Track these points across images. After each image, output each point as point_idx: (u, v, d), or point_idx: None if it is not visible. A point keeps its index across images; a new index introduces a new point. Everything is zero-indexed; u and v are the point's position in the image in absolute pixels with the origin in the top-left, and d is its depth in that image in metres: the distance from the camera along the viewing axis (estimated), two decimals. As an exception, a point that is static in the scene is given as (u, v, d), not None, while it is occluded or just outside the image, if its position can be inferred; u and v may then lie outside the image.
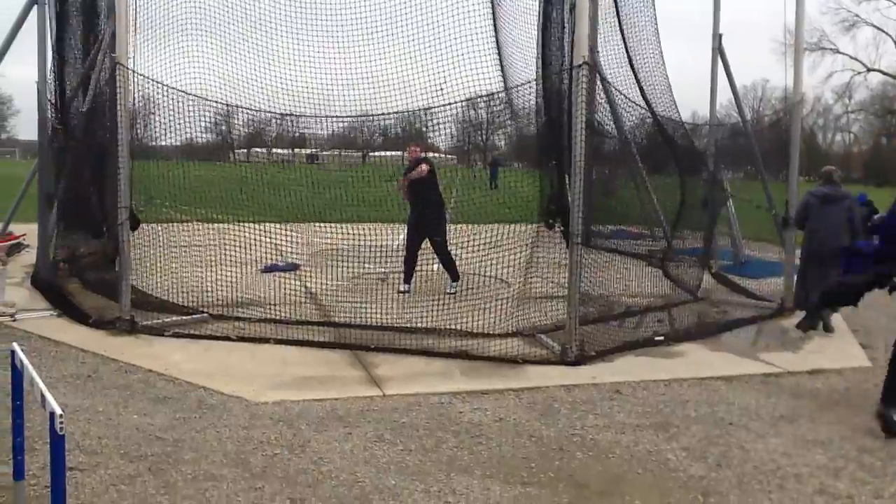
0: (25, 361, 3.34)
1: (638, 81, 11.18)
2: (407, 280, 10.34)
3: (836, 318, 9.36)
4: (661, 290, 10.21)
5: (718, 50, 12.60)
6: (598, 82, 10.81)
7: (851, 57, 70.57)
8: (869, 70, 60.38)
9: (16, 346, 3.56)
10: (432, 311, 8.46)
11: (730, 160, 14.20)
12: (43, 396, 3.12)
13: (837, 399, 6.33)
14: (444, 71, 9.73)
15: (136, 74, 8.29)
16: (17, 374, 3.53)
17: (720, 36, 12.53)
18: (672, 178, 12.49)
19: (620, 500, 4.40)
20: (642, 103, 11.04)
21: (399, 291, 10.08)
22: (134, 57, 8.33)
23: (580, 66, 7.21)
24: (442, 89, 9.27)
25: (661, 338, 8.10)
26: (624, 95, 10.54)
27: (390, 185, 11.10)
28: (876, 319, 9.49)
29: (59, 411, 2.97)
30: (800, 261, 9.29)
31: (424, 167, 10.10)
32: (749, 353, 7.74)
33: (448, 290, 10.07)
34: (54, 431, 2.98)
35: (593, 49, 12.42)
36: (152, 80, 8.63)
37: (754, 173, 13.67)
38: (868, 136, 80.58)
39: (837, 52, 60.33)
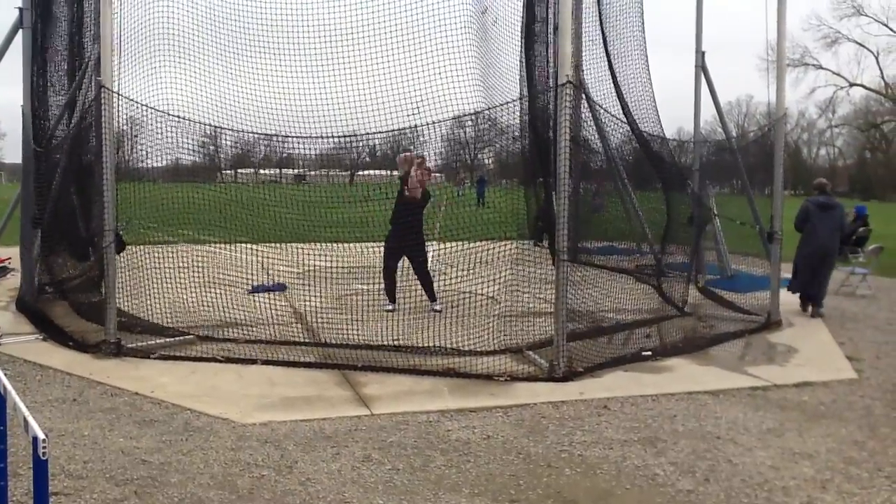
0: (8, 386, 3.32)
1: (622, 98, 11.27)
2: (392, 299, 10.33)
3: (824, 333, 9.43)
4: (649, 306, 10.23)
5: (701, 67, 12.74)
6: (584, 100, 10.92)
7: (834, 72, 71.59)
8: (851, 85, 61.13)
9: (-2, 370, 3.54)
10: (420, 329, 8.46)
11: (715, 176, 14.32)
12: (26, 421, 3.10)
13: (824, 411, 6.35)
14: (429, 90, 9.77)
15: (120, 97, 8.29)
16: (0, 398, 3.50)
17: (703, 53, 12.68)
18: (658, 194, 12.58)
19: (609, 516, 4.40)
20: (627, 120, 11.13)
21: (386, 311, 10.07)
22: (119, 80, 8.35)
23: (564, 84, 7.27)
24: (418, 109, 9.30)
25: (649, 353, 8.12)
26: (609, 113, 10.62)
27: (378, 202, 11.13)
28: (862, 332, 9.56)
29: (41, 436, 2.95)
30: (797, 257, 10.94)
31: (419, 172, 10.22)
32: (736, 367, 7.77)
33: (435, 309, 10.07)
34: (37, 456, 2.95)
35: (578, 67, 12.55)
36: (137, 103, 8.63)
37: (740, 188, 13.79)
38: (852, 149, 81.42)
39: (820, 67, 61.10)
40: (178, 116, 8.96)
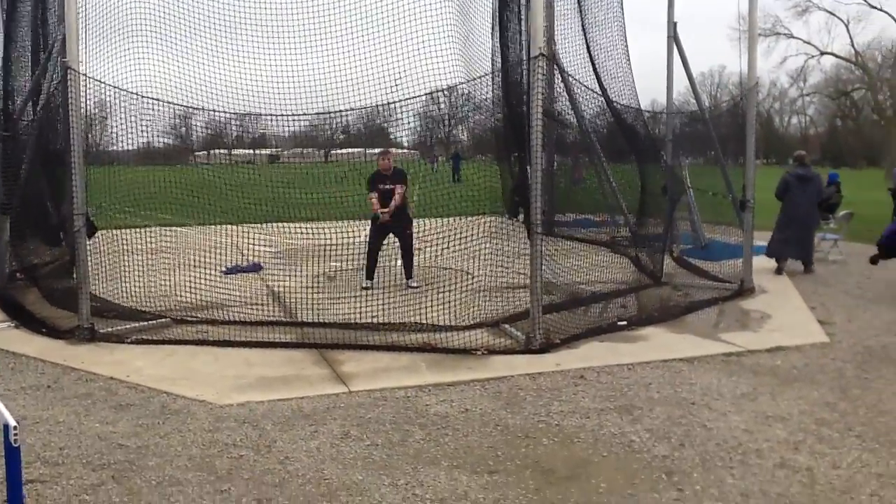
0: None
1: (596, 71, 11.27)
2: (370, 276, 10.33)
3: (796, 299, 9.55)
4: (625, 276, 10.30)
5: (673, 38, 12.74)
6: (557, 73, 10.90)
7: (805, 41, 71.90)
8: (822, 53, 61.27)
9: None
10: (397, 306, 8.47)
11: (689, 147, 14.38)
12: (-5, 407, 3.08)
13: (797, 375, 6.44)
14: (403, 66, 9.68)
15: (88, 79, 8.16)
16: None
17: (675, 24, 12.67)
18: (632, 166, 12.63)
19: (586, 483, 4.44)
20: (601, 93, 11.13)
21: (362, 288, 10.08)
22: (86, 61, 8.21)
23: (536, 57, 7.25)
24: (397, 85, 9.23)
25: (625, 323, 8.18)
26: (583, 85, 10.61)
27: (353, 184, 11.08)
28: (833, 296, 9.69)
29: (13, 423, 2.93)
30: (778, 224, 11.74)
31: (400, 191, 10.26)
32: (711, 334, 7.85)
33: (411, 286, 10.08)
34: (9, 444, 2.94)
35: (550, 40, 12.51)
36: (105, 84, 8.49)
37: (713, 158, 13.88)
38: (823, 118, 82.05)
39: (791, 36, 61.14)
40: (148, 97, 8.84)
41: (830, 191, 16.58)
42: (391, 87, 9.26)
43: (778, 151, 77.75)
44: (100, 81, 8.58)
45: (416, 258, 10.56)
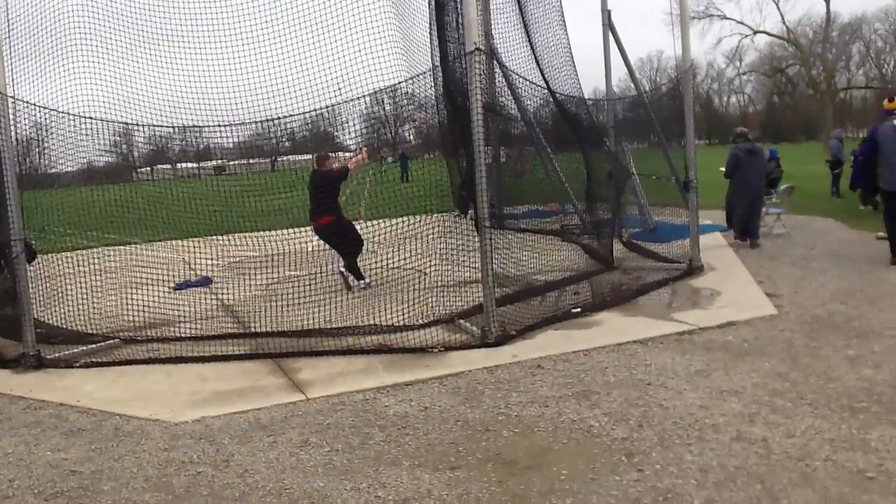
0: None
1: (538, 63, 11.33)
2: (359, 276, 10.37)
3: (744, 274, 9.72)
4: (576, 264, 10.39)
5: (608, 26, 12.87)
6: (498, 67, 10.93)
7: (738, 21, 73.59)
8: (755, 32, 62.64)
9: None
10: (351, 309, 8.41)
11: (631, 132, 14.55)
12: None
13: (748, 349, 6.56)
14: (346, 69, 9.60)
15: (17, 102, 7.93)
16: None
17: (609, 12, 12.80)
18: (577, 155, 12.74)
19: (548, 471, 4.46)
20: (542, 84, 11.19)
21: (361, 289, 10.21)
22: (13, 83, 7.97)
23: (472, 52, 7.25)
24: (340, 89, 9.17)
25: (579, 309, 8.25)
26: (524, 78, 10.64)
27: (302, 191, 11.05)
28: (779, 269, 9.89)
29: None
30: (732, 201, 12.48)
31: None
32: (663, 315, 7.95)
33: (360, 287, 10.07)
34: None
35: (488, 34, 12.54)
36: (36, 106, 8.27)
37: (656, 142, 14.06)
38: (761, 95, 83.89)
39: (724, 17, 62.38)
40: (82, 116, 8.64)
41: (771, 166, 16.99)
42: (335, 91, 9.21)
43: (719, 131, 79.23)
44: (29, 103, 8.36)
45: (366, 260, 10.55)
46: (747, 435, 4.76)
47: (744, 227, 12.11)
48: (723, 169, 12.51)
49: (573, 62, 12.36)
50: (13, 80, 8.05)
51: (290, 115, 10.72)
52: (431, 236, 9.43)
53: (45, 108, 8.43)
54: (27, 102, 8.30)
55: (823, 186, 17.44)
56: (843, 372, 5.77)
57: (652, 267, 10.40)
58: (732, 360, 6.29)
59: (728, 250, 11.58)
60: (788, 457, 4.40)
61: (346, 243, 10.44)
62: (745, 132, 12.98)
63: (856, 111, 76.14)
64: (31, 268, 7.81)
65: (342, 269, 10.47)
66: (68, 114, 8.58)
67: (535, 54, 11.80)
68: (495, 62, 10.95)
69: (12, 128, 7.80)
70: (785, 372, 5.87)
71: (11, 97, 7.82)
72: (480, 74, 7.49)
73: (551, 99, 11.83)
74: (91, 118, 8.61)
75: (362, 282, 10.34)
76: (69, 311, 8.76)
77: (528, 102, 12.19)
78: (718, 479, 4.19)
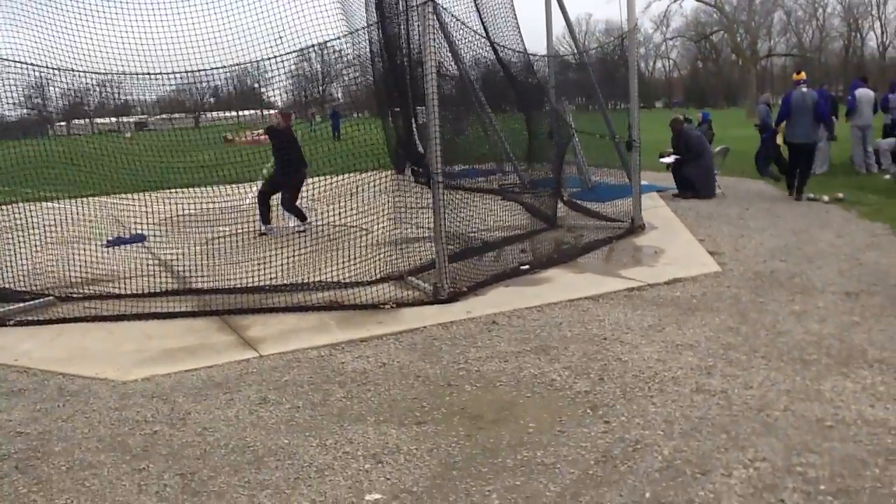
0: None
1: (481, 18, 11.19)
2: (266, 221, 10.66)
3: (685, 233, 9.89)
4: (520, 222, 10.39)
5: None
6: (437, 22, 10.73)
7: (667, -13, 74.29)
8: (684, -2, 63.58)
9: None
10: (298, 266, 8.24)
11: (569, 91, 14.59)
12: None
13: (697, 304, 6.68)
14: (279, 20, 9.26)
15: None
16: None
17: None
18: (518, 114, 12.71)
19: (515, 424, 4.46)
20: (484, 40, 11.06)
21: (260, 234, 10.34)
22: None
23: (425, 3, 7.07)
24: (281, 38, 8.86)
25: (527, 267, 8.26)
26: (468, 27, 10.48)
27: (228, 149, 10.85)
28: (718, 228, 10.10)
29: None
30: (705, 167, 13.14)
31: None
32: (610, 272, 8.03)
33: (297, 229, 10.41)
34: None
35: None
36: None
37: (592, 103, 14.14)
38: (686, 61, 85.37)
39: (653, -18, 63.03)
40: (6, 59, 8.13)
41: (703, 129, 17.36)
42: (275, 41, 8.89)
43: (644, 95, 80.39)
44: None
45: (310, 217, 10.49)
46: (707, 387, 4.85)
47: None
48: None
49: (515, 17, 12.28)
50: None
51: (214, 68, 10.38)
52: (372, 194, 9.30)
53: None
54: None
55: (752, 149, 17.84)
56: (790, 326, 5.93)
57: (594, 225, 10.49)
58: (683, 315, 6.40)
59: (667, 210, 11.78)
60: (749, 407, 4.50)
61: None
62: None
63: (776, 78, 78.33)
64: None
65: (296, 226, 10.62)
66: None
67: (478, 8, 11.66)
68: (434, 15, 10.77)
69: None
70: (735, 326, 6.00)
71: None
72: (434, 27, 7.33)
73: (494, 55, 11.72)
74: (5, 59, 8.12)
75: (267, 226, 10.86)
76: (-4, 268, 8.35)
77: (469, 59, 12.06)
78: (684, 430, 4.26)
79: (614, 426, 4.36)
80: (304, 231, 10.50)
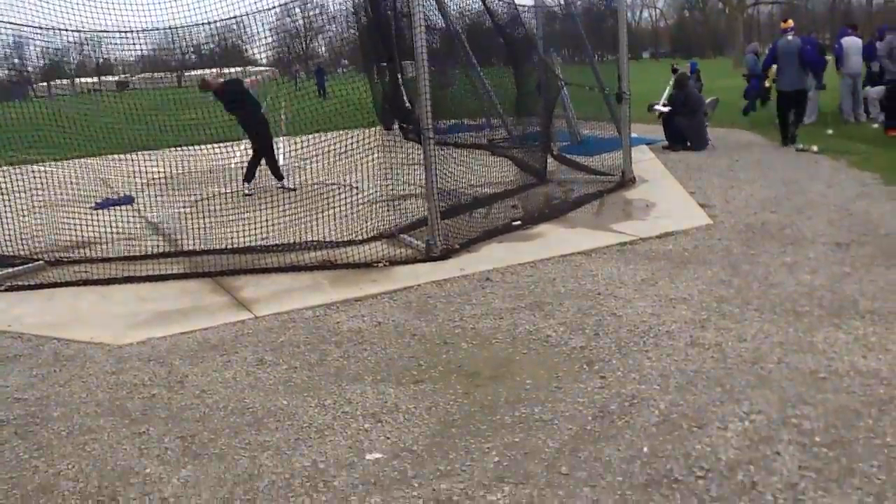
0: None
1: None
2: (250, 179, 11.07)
3: (676, 185, 9.89)
4: (509, 177, 10.35)
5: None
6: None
7: (652, -67, 73.12)
8: (669, -55, 62.65)
9: None
10: (288, 226, 8.20)
11: (558, 43, 14.43)
12: None
13: (689, 257, 6.70)
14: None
15: None
16: None
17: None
18: (506, 67, 12.56)
19: (512, 381, 4.49)
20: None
21: (245, 195, 10.49)
22: None
23: (411, -47, 6.94)
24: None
25: (518, 222, 8.25)
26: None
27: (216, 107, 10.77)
28: (709, 180, 10.10)
29: None
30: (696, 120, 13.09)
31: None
32: (602, 226, 8.03)
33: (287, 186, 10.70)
34: None
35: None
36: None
37: (576, 55, 14.01)
38: (672, 10, 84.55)
39: (639, -72, 62.08)
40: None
41: (692, 79, 17.25)
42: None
43: (631, 46, 79.74)
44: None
45: (298, 177, 10.47)
46: (701, 340, 4.89)
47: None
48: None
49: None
50: None
51: (196, 24, 10.22)
52: (360, 151, 9.22)
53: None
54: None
55: (741, 99, 17.80)
56: (782, 278, 5.97)
57: (585, 179, 10.47)
58: (675, 268, 6.43)
59: (657, 162, 11.75)
60: (743, 360, 4.55)
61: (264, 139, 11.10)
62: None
63: (763, 27, 77.76)
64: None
65: (282, 184, 10.76)
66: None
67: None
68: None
69: None
70: (728, 279, 6.03)
71: None
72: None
73: (481, 5, 11.56)
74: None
75: (247, 185, 11.04)
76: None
77: (454, 8, 11.90)
78: (679, 384, 4.30)
79: (610, 381, 4.40)
80: (250, 195, 10.79)
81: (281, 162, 11.43)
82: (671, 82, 14.97)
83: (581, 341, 5.01)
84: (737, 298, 5.59)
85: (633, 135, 11.67)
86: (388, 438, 3.94)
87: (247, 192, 10.87)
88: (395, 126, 16.78)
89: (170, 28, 10.30)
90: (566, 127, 13.66)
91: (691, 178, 10.36)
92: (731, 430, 3.77)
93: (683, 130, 12.90)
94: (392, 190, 9.39)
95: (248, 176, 11.10)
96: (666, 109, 13.43)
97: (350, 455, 3.79)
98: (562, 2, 14.28)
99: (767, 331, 4.96)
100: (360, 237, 7.81)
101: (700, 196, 9.11)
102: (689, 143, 12.81)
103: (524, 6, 12.21)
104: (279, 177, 11.12)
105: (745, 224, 7.68)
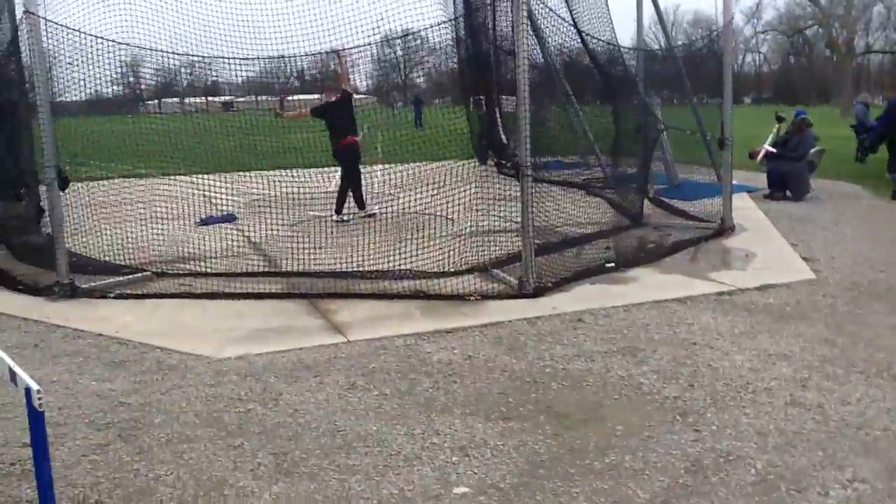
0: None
1: (569, 8, 11.04)
2: (363, 205, 11.31)
3: (777, 237, 9.62)
4: (604, 218, 10.27)
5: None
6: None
7: (761, -22, 72.01)
8: (777, -10, 61.41)
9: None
10: (382, 253, 8.34)
11: (659, 85, 14.31)
12: (12, 372, 2.92)
13: (791, 312, 6.50)
14: (363, 5, 9.32)
15: (48, 23, 7.72)
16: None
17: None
18: (605, 107, 12.52)
19: (602, 426, 4.44)
20: (572, 28, 10.91)
21: (340, 221, 10.83)
22: (44, 4, 7.75)
23: (520, -9, 7.04)
24: (379, 25, 8.99)
25: (613, 264, 8.17)
26: (557, 15, 10.36)
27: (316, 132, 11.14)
28: (812, 233, 9.79)
29: (35, 386, 2.78)
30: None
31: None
32: (699, 274, 7.88)
33: (335, 219, 11.03)
34: (32, 408, 2.79)
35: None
36: (67, 28, 8.06)
37: (680, 97, 13.84)
38: (776, 56, 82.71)
39: (747, -26, 61.22)
40: (105, 38, 8.41)
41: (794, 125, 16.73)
42: (374, 26, 9.01)
43: (734, 90, 78.34)
44: (60, 25, 8.14)
45: (390, 204, 10.83)
46: (802, 400, 4.72)
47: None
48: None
49: (607, 5, 12.06)
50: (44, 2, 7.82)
51: (302, 55, 10.60)
52: (455, 183, 9.32)
53: (77, 31, 8.23)
54: (58, 24, 8.09)
55: (847, 150, 17.20)
56: (891, 341, 5.72)
57: (682, 225, 10.29)
58: (776, 323, 6.24)
59: (757, 211, 11.47)
60: (846, 424, 4.37)
61: (355, 169, 11.30)
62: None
63: (873, 76, 75.22)
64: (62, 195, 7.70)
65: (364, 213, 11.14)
66: (97, 37, 8.37)
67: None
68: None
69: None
70: (832, 338, 5.82)
71: (43, 18, 7.60)
72: (526, 18, 7.28)
73: (582, 45, 11.57)
74: (111, 41, 8.39)
75: (341, 216, 11.22)
76: (96, 241, 8.71)
77: (553, 45, 11.93)
78: (778, 444, 4.16)
79: (705, 435, 4.29)
80: (346, 221, 11.08)
81: (375, 188, 11.68)
82: (775, 129, 14.60)
83: (675, 391, 4.91)
84: (841, 359, 5.39)
85: (734, 182, 11.44)
86: (476, 473, 3.93)
87: (339, 219, 11.13)
88: (491, 160, 16.91)
89: (280, 57, 10.72)
90: (663, 169, 13.48)
91: (794, 229, 10.06)
92: (832, 496, 3.62)
93: (785, 175, 12.54)
94: (485, 224, 9.44)
95: (339, 207, 11.33)
96: (773, 150, 13.09)
97: (437, 487, 3.81)
98: (663, 44, 14.21)
99: (873, 395, 4.75)
100: (452, 269, 7.87)
101: (803, 249, 8.83)
102: (791, 191, 12.45)
103: (626, 47, 12.15)
104: (361, 206, 11.37)
105: (852, 282, 7.40)
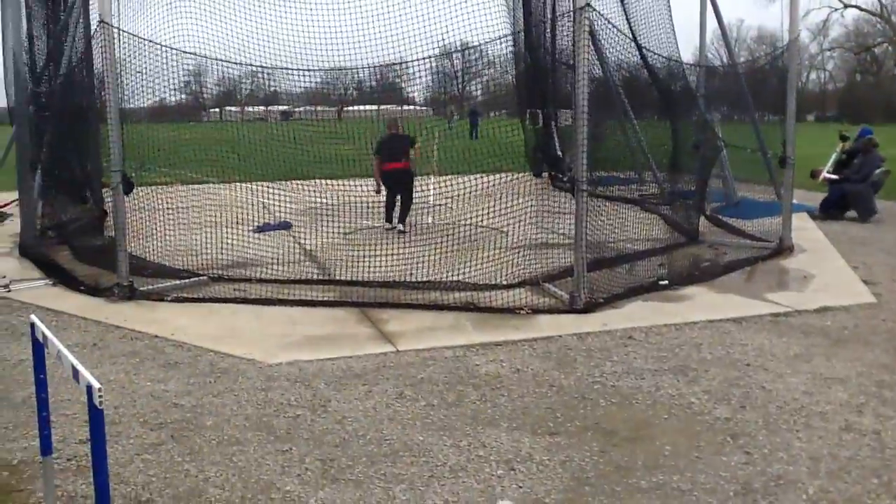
0: (49, 334, 3.21)
1: (629, 23, 10.97)
2: (389, 220, 11.46)
3: (837, 258, 9.39)
4: (659, 235, 10.16)
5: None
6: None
7: (829, -6, 70.48)
8: (846, 7, 60.17)
9: (35, 318, 3.42)
10: (434, 264, 8.37)
11: (718, 102, 14.11)
12: (75, 370, 3.01)
13: (848, 336, 6.34)
14: (445, 19, 9.40)
15: (120, 32, 7.98)
16: (39, 346, 3.40)
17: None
18: (662, 122, 12.39)
19: (650, 445, 4.38)
20: (632, 43, 10.84)
21: (386, 229, 11.09)
22: (118, 15, 8.02)
23: (583, 7, 7.04)
24: (443, 39, 9.11)
25: (666, 282, 8.07)
26: (620, 31, 10.30)
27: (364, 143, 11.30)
28: (874, 256, 9.54)
29: (96, 385, 2.85)
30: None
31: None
32: (754, 294, 7.73)
33: (400, 229, 11.10)
34: (93, 405, 2.87)
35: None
36: (138, 38, 8.32)
37: (737, 114, 13.62)
38: (842, 73, 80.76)
39: (814, -11, 60.04)
40: (174, 48, 8.65)
41: (859, 144, 16.27)
42: (439, 39, 9.13)
43: (797, 107, 76.66)
44: (132, 34, 8.41)
45: (442, 214, 10.99)
46: (857, 426, 4.60)
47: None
48: None
49: (671, 20, 11.92)
50: (119, 9, 8.09)
51: (361, 67, 10.75)
52: (508, 195, 9.32)
53: (148, 40, 8.48)
54: (129, 34, 8.35)
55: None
56: (954, 369, 5.54)
57: (739, 244, 10.12)
58: (832, 346, 6.09)
59: (817, 232, 11.22)
60: (904, 452, 4.25)
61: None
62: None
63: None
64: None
65: (400, 227, 11.28)
66: (167, 47, 8.61)
67: (626, 12, 11.42)
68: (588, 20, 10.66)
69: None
70: (890, 363, 5.66)
71: (116, 27, 7.85)
72: (587, 32, 7.27)
73: (642, 60, 11.47)
74: (179, 50, 8.62)
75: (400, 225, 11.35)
76: (156, 245, 8.94)
77: (613, 60, 11.84)
78: (831, 469, 4.06)
79: (756, 458, 4.21)
80: (404, 231, 11.15)
81: (430, 200, 11.71)
82: (838, 149, 14.26)
83: (726, 412, 4.83)
84: (900, 385, 5.23)
85: (794, 201, 11.21)
86: (521, 487, 3.93)
87: (391, 228, 11.25)
88: (546, 174, 16.86)
89: (338, 69, 10.90)
90: (721, 187, 13.26)
91: (854, 251, 9.81)
92: (888, 527, 3.52)
93: (849, 196, 12.26)
94: (538, 237, 9.41)
95: (388, 216, 11.53)
96: (836, 178, 12.85)
97: (482, 499, 3.81)
98: (726, 60, 14.01)
99: (934, 424, 4.61)
100: (504, 282, 7.86)
101: (864, 272, 8.61)
102: (850, 211, 12.16)
103: (687, 63, 12.01)
104: (389, 220, 11.54)
105: (914, 306, 7.19)
